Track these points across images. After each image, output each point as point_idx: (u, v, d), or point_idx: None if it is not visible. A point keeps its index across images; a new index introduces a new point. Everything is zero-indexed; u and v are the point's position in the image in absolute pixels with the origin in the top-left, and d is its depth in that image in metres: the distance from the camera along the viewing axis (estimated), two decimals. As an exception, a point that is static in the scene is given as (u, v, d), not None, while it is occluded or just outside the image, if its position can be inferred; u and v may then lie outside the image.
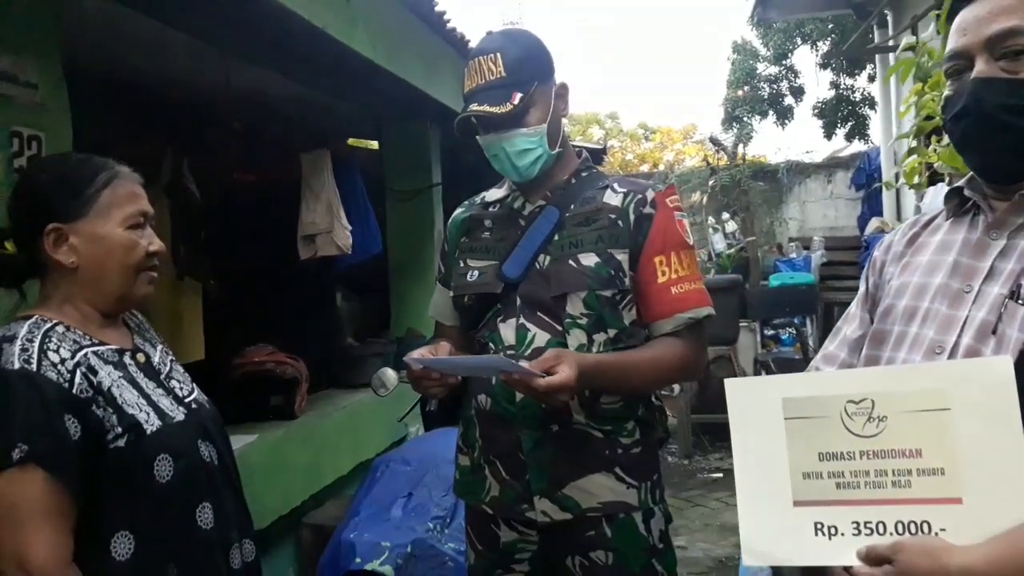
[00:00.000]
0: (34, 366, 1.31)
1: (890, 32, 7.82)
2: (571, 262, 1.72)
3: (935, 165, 2.73)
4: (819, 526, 1.09)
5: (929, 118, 2.72)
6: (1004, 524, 1.00)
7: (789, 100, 12.49)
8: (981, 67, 1.15)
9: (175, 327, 3.69)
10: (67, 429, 1.30)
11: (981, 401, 1.03)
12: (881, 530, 1.06)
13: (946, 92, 1.23)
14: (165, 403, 1.48)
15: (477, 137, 1.80)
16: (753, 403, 1.16)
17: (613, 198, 1.77)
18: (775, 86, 12.51)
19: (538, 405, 1.64)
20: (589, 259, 1.71)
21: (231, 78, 3.53)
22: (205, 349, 3.91)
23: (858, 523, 1.07)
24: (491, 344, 1.76)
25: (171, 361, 1.62)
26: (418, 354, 1.65)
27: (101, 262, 1.45)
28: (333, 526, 3.27)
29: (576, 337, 1.70)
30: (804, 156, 10.16)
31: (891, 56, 7.89)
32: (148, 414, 1.42)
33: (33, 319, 1.40)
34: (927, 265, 1.26)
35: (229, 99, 3.65)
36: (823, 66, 11.94)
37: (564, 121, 1.84)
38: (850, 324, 1.41)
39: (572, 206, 1.78)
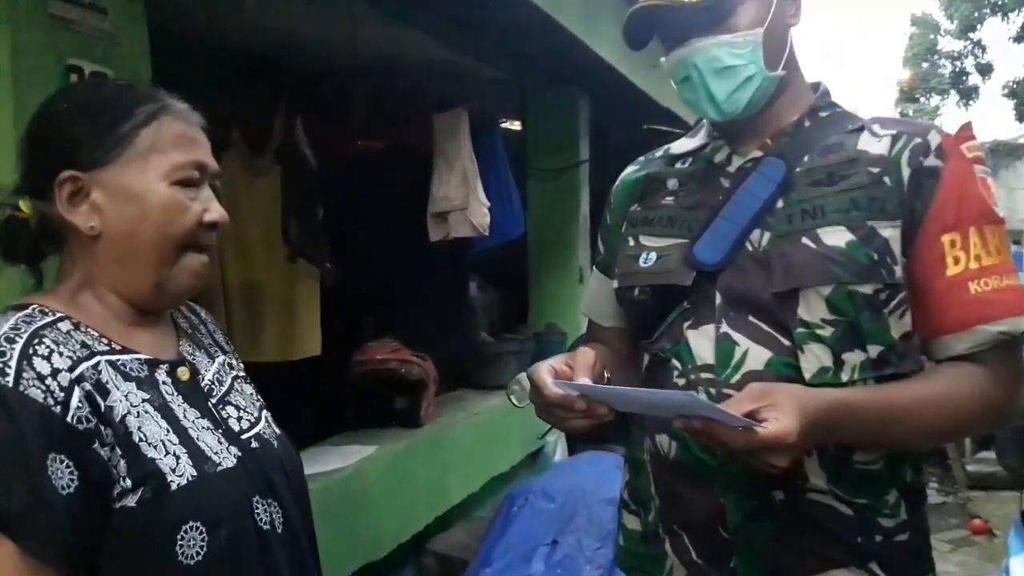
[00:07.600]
0: (10, 379, 0.87)
1: None
2: (806, 240, 1.17)
3: None
4: None
5: None
6: None
7: (975, 78, 11.35)
8: None
9: (287, 318, 3.31)
10: (52, 476, 0.86)
11: None
12: None
13: None
14: (208, 441, 1.01)
15: (662, 60, 1.25)
16: None
17: (873, 144, 1.21)
18: (958, 63, 11.45)
19: None
20: (837, 236, 1.15)
21: (358, 31, 3.10)
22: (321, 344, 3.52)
23: None
24: (675, 360, 1.22)
25: (234, 378, 1.15)
26: (549, 368, 1.12)
27: (131, 229, 1.00)
28: (461, 558, 2.83)
29: (815, 356, 1.14)
30: (1019, 136, 9.01)
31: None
32: (178, 459, 0.96)
33: (27, 310, 0.97)
34: None
35: (354, 56, 3.23)
36: (1018, 39, 10.97)
37: (792, 34, 1.25)
38: None
39: (806, 158, 1.22)
